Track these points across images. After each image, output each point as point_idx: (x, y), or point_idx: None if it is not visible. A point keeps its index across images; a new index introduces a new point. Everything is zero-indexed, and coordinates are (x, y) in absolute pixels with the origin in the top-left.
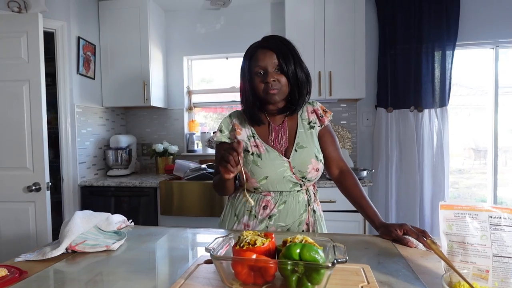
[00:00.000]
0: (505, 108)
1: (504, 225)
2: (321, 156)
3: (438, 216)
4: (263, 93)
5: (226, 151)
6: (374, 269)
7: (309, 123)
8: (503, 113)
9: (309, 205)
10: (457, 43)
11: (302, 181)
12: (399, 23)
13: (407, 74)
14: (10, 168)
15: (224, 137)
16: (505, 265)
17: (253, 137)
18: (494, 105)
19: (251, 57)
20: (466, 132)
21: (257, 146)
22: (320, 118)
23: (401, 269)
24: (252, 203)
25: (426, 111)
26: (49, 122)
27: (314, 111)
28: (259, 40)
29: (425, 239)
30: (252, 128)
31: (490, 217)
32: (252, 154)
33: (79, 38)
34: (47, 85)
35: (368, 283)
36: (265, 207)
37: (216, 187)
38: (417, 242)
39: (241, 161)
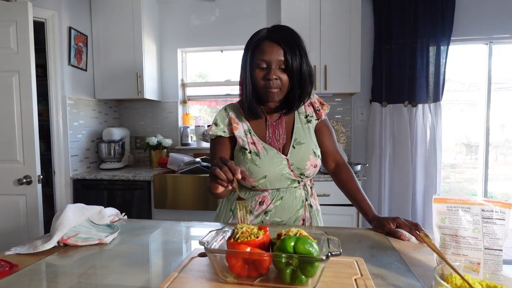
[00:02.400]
0: (497, 104)
1: (496, 218)
2: (318, 152)
3: (430, 210)
4: (262, 89)
5: (219, 166)
6: (367, 262)
7: (306, 116)
8: (495, 109)
9: (306, 200)
10: (451, 38)
11: (300, 177)
12: (394, 18)
13: (401, 69)
14: (0, 161)
15: (220, 131)
16: (496, 258)
17: (250, 133)
18: (487, 101)
19: (256, 47)
20: (459, 127)
21: (254, 143)
22: (317, 111)
23: (394, 262)
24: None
25: (420, 106)
26: (40, 114)
27: (311, 104)
28: (267, 29)
29: (418, 232)
30: (248, 123)
31: (483, 210)
32: (250, 152)
33: (70, 28)
34: (38, 76)
35: (362, 275)
36: (261, 203)
37: (209, 190)
38: (410, 235)
39: (235, 179)
